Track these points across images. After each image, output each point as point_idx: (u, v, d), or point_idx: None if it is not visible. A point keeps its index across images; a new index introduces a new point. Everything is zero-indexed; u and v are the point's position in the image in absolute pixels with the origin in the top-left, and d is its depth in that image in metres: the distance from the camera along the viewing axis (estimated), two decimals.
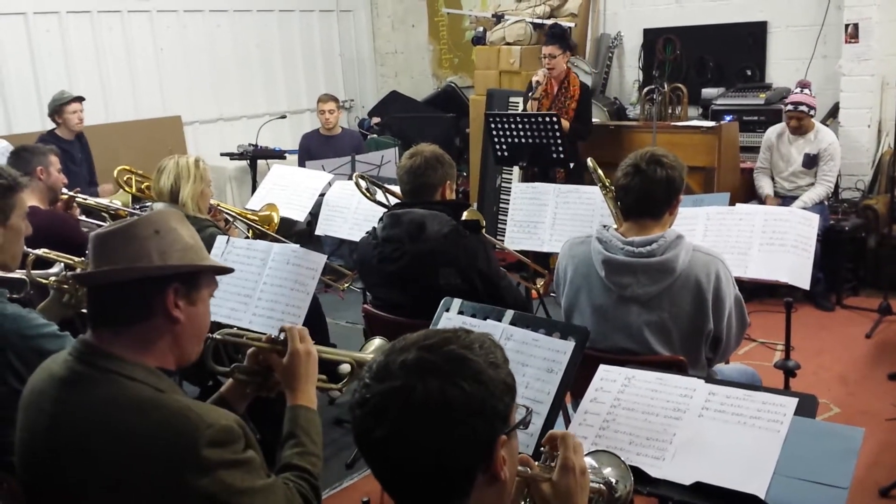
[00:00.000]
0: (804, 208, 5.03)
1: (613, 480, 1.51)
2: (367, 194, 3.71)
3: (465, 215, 3.02)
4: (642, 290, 2.50)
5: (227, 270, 1.81)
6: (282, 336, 1.85)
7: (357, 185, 3.73)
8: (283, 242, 3.51)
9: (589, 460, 1.51)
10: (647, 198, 2.54)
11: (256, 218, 4.06)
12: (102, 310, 1.61)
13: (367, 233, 3.17)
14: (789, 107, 5.46)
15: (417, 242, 2.94)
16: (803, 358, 4.28)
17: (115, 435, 1.49)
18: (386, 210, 3.18)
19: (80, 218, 3.96)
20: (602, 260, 2.56)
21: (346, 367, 2.06)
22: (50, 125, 5.54)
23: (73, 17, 6.38)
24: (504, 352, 1.25)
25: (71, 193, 3.92)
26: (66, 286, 2.61)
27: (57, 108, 5.40)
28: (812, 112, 5.45)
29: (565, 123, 5.46)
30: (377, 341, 2.09)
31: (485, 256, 3.00)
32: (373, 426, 1.16)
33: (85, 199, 4.02)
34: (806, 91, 5.47)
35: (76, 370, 1.58)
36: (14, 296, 2.45)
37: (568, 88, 5.66)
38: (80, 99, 5.49)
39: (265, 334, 1.90)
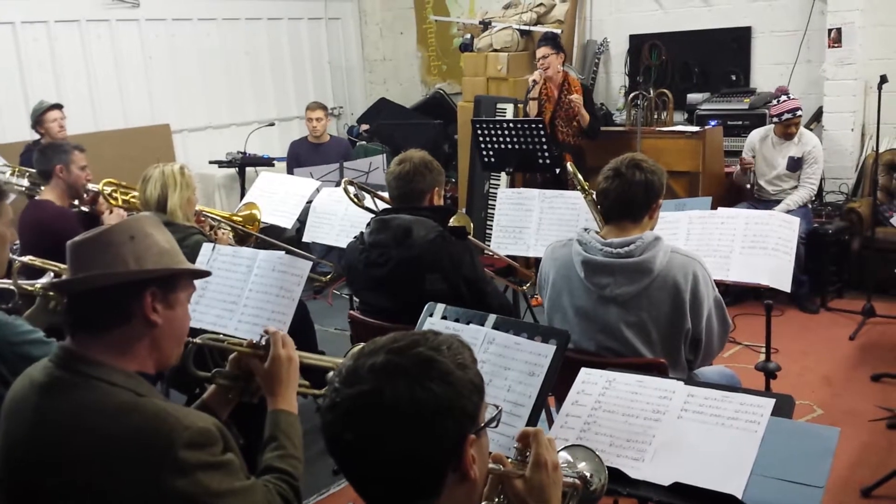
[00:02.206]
0: (788, 211, 5.09)
1: (588, 474, 1.51)
2: (356, 200, 3.72)
3: (452, 221, 3.04)
4: (620, 290, 2.54)
5: (203, 274, 1.83)
6: (264, 340, 1.86)
7: (346, 190, 3.74)
8: (273, 244, 3.51)
9: (564, 455, 1.52)
10: (626, 200, 2.58)
11: (240, 219, 4.08)
12: (81, 316, 1.62)
13: (355, 238, 3.19)
14: (787, 115, 5.39)
15: (403, 248, 2.95)
16: (788, 360, 4.32)
17: (94, 439, 1.51)
18: (374, 215, 3.20)
19: (103, 213, 3.90)
20: (581, 261, 2.59)
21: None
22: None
23: (62, 25, 6.38)
24: (472, 352, 1.26)
25: (96, 189, 3.92)
26: (51, 293, 2.62)
27: (37, 119, 5.36)
28: None
29: (585, 115, 5.61)
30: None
31: (470, 262, 3.01)
32: (343, 430, 1.17)
33: (111, 195, 4.00)
34: (792, 97, 5.51)
35: (56, 376, 1.59)
36: (2, 306, 2.46)
37: (570, 90, 5.74)
38: (58, 106, 5.42)
39: (247, 339, 1.91)
